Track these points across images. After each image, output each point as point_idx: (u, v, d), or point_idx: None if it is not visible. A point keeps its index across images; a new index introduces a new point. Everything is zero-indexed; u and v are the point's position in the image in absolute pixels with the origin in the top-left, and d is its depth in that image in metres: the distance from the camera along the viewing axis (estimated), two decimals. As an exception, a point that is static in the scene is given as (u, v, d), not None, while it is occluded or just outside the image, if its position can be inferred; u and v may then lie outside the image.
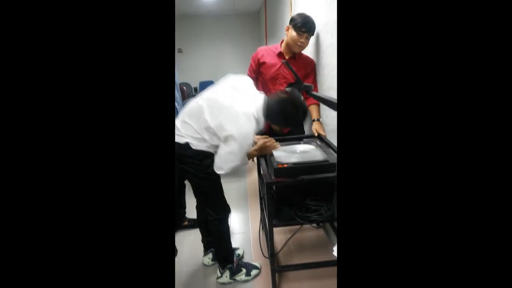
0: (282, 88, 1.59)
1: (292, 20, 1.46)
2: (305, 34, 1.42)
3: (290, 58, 1.56)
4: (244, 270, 1.38)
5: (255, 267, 1.41)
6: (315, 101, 1.57)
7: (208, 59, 5.73)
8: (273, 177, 1.08)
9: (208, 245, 1.49)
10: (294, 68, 1.44)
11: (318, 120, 1.57)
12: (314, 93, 1.01)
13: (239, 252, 1.52)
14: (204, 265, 1.49)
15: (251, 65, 1.72)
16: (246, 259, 1.52)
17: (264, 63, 1.61)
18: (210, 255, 1.48)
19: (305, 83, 1.11)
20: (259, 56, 1.64)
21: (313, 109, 1.59)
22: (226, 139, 1.03)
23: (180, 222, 1.79)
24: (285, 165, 1.09)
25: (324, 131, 1.54)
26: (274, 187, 1.18)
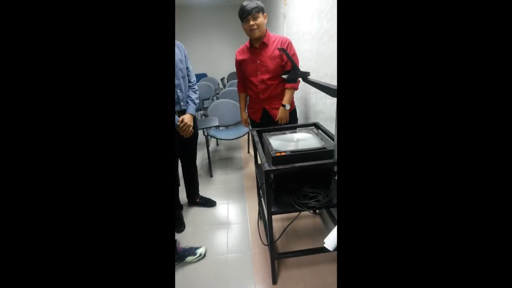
0: (264, 77, 1.60)
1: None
2: (249, 17, 1.48)
3: (261, 45, 1.59)
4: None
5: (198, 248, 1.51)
6: (290, 85, 1.60)
7: (200, 51, 5.64)
8: (271, 166, 1.08)
9: None
10: (269, 52, 1.54)
11: (284, 106, 1.62)
12: (312, 79, 1.00)
13: (200, 251, 1.49)
14: None
15: (237, 74, 1.78)
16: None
17: (242, 60, 1.66)
18: None
19: (302, 70, 1.10)
20: (237, 58, 1.70)
21: (285, 93, 1.63)
22: None
23: (194, 199, 1.97)
24: (283, 153, 1.09)
25: (287, 120, 1.63)
26: (272, 176, 1.18)
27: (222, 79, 5.07)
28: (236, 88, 1.90)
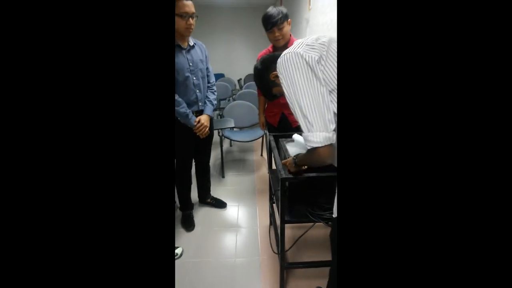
0: None
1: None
2: (274, 28, 1.44)
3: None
4: None
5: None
6: None
7: (219, 51, 5.68)
8: (287, 173, 1.05)
9: None
10: None
11: None
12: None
13: (177, 251, 1.49)
14: None
15: None
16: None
17: None
18: None
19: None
20: None
21: None
22: None
23: (205, 199, 1.97)
24: (300, 161, 1.07)
25: None
26: (287, 183, 1.15)
27: (239, 80, 5.08)
28: (252, 90, 1.89)
